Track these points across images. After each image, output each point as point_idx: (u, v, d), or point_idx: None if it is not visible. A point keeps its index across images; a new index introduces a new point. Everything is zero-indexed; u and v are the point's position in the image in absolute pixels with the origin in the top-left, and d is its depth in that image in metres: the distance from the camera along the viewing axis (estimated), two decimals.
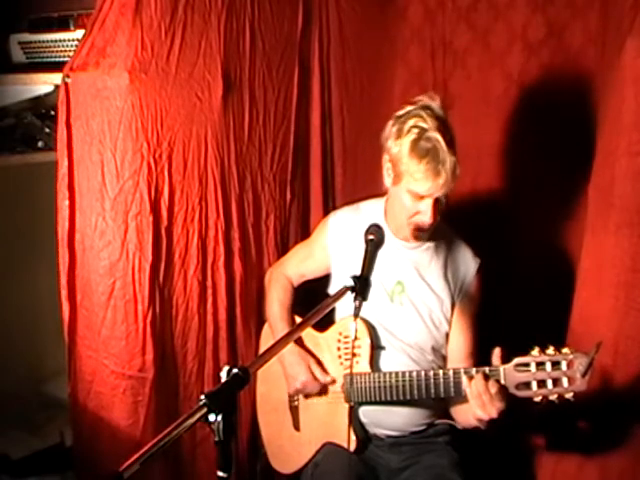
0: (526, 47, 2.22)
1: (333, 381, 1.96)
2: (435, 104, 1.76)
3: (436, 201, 1.73)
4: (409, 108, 1.77)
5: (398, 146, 1.75)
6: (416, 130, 1.71)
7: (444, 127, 1.72)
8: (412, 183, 1.72)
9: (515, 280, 2.27)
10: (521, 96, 2.24)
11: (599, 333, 1.63)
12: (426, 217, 1.75)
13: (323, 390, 1.98)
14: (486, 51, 2.31)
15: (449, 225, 1.98)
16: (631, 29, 1.66)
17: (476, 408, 1.64)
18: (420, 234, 1.83)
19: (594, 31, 2.06)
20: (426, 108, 1.75)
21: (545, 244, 2.24)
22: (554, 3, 2.15)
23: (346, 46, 2.43)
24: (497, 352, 1.65)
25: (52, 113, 2.13)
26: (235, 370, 1.10)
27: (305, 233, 2.29)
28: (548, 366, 1.60)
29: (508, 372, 1.64)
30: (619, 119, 1.69)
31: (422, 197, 1.73)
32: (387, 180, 1.84)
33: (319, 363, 1.98)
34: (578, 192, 2.09)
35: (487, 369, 1.66)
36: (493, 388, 1.62)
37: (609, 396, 1.76)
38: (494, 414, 1.62)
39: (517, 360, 1.63)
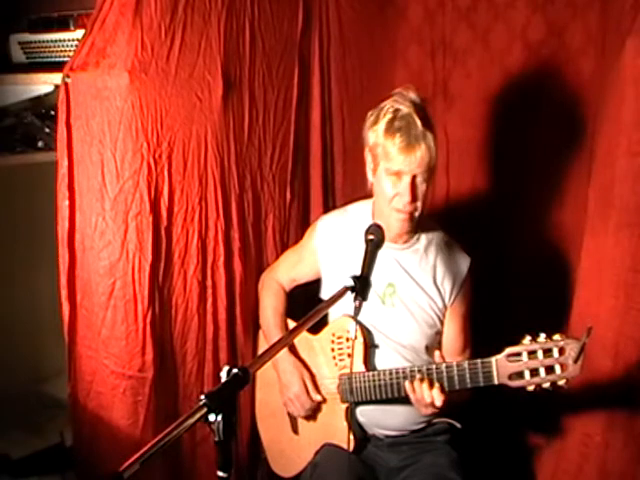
0: (526, 47, 2.22)
1: (324, 400, 1.96)
2: (410, 92, 1.79)
3: (414, 181, 1.74)
4: (385, 101, 1.81)
5: (375, 132, 1.79)
6: (391, 110, 1.76)
7: (419, 108, 1.76)
8: (388, 162, 1.74)
9: (515, 280, 2.28)
10: (521, 96, 2.24)
11: (599, 333, 1.63)
12: (405, 197, 1.74)
13: (314, 408, 1.98)
14: (486, 51, 2.31)
15: (439, 224, 1.97)
16: (631, 29, 1.66)
17: (420, 408, 1.75)
18: (404, 221, 1.80)
19: (594, 31, 2.06)
20: (400, 94, 1.79)
21: (545, 244, 2.24)
22: (554, 3, 2.15)
23: (346, 46, 2.43)
24: (437, 354, 1.77)
25: (52, 113, 2.12)
26: (235, 370, 1.10)
27: (305, 233, 2.28)
28: (540, 354, 1.61)
29: (500, 363, 1.65)
30: (619, 119, 1.69)
31: (400, 176, 1.74)
32: (369, 174, 1.86)
33: (313, 379, 1.98)
34: (578, 192, 2.09)
35: (479, 361, 1.68)
36: (438, 400, 1.68)
37: (609, 396, 1.76)
38: (437, 411, 1.73)
39: (508, 350, 1.64)
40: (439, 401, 1.68)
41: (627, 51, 1.65)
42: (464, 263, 1.94)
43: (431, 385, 1.70)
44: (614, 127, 1.74)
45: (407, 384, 1.73)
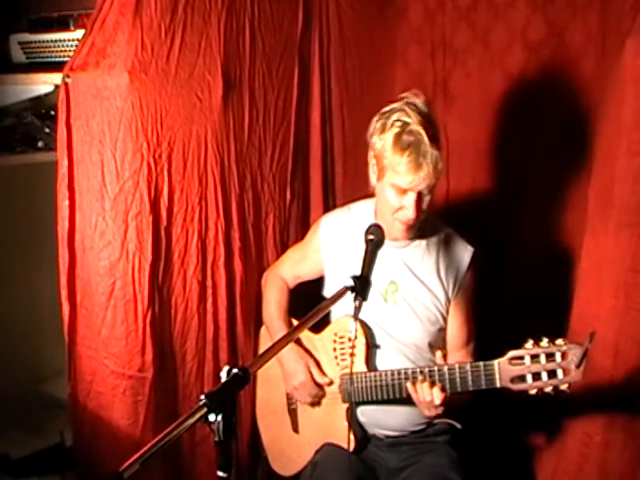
0: (526, 47, 2.22)
1: (331, 382, 1.96)
2: (419, 100, 1.77)
3: (419, 196, 1.74)
4: (393, 105, 1.79)
5: (382, 141, 1.76)
6: (399, 124, 1.73)
7: (427, 121, 1.73)
8: (395, 177, 1.73)
9: (514, 280, 2.28)
10: (521, 96, 2.24)
11: (599, 333, 1.63)
12: (409, 212, 1.74)
13: (320, 395, 1.98)
14: (486, 51, 2.31)
15: (441, 218, 1.98)
16: (631, 29, 1.66)
17: (424, 410, 1.76)
18: (406, 231, 1.82)
19: (594, 31, 2.06)
20: (410, 104, 1.76)
21: (545, 244, 2.24)
22: (554, 3, 2.15)
23: (346, 46, 2.43)
24: (439, 354, 1.76)
25: (52, 113, 2.12)
26: (235, 370, 1.10)
27: (305, 233, 2.28)
28: (542, 358, 1.61)
29: (502, 366, 1.65)
30: (619, 119, 1.69)
31: (405, 191, 1.74)
32: (372, 177, 1.85)
33: (317, 365, 1.98)
34: (578, 192, 2.09)
35: (482, 364, 1.68)
36: (438, 399, 1.68)
37: (609, 396, 1.76)
38: (440, 413, 1.74)
39: (511, 354, 1.64)
40: (438, 399, 1.68)
41: (627, 51, 1.65)
42: (467, 253, 1.94)
43: (432, 384, 1.70)
44: (614, 127, 1.73)
45: (409, 385, 1.74)
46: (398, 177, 1.72)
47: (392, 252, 1.88)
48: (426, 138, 1.69)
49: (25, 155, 2.14)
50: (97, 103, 1.78)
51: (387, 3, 2.51)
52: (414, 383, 1.72)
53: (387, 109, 1.79)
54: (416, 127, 1.70)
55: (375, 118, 1.81)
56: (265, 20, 2.15)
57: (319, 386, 1.97)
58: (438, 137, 1.74)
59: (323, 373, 1.97)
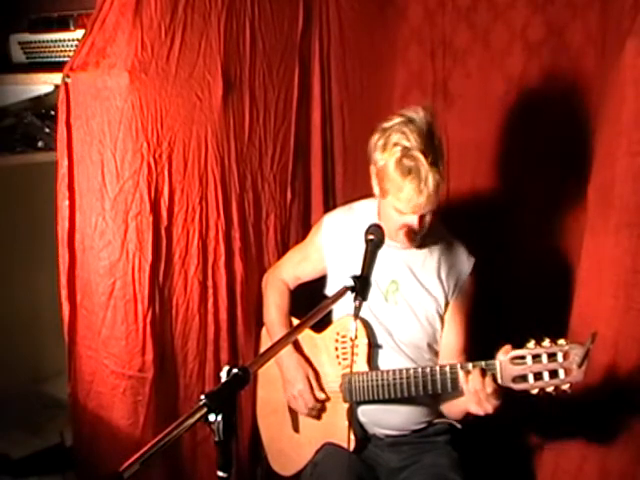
0: (526, 47, 2.22)
1: (327, 399, 1.96)
2: (419, 117, 1.73)
3: (422, 215, 1.75)
4: (393, 121, 1.75)
5: (383, 160, 1.75)
6: (399, 148, 1.71)
7: (428, 144, 1.70)
8: (396, 202, 1.74)
9: (515, 280, 2.28)
10: (521, 96, 2.24)
11: (599, 333, 1.62)
12: (413, 231, 1.78)
13: (318, 408, 1.97)
14: (486, 51, 2.31)
15: (443, 224, 1.98)
16: (631, 29, 1.66)
17: (471, 404, 1.67)
18: (410, 241, 1.83)
19: (594, 31, 2.06)
20: (410, 122, 1.73)
21: (545, 244, 2.24)
22: (554, 3, 2.15)
23: (346, 46, 2.43)
24: (504, 349, 1.66)
25: (52, 113, 2.12)
26: (235, 370, 1.10)
27: (306, 233, 2.28)
28: (544, 358, 1.60)
29: (504, 366, 1.65)
30: (619, 119, 1.69)
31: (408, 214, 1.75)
32: (375, 189, 1.85)
33: (317, 378, 1.98)
34: (578, 192, 2.09)
35: (484, 363, 1.67)
36: (489, 387, 1.63)
37: (609, 396, 1.76)
38: (489, 410, 1.65)
39: (513, 353, 1.64)
40: (490, 387, 1.63)
41: (627, 51, 1.65)
42: (468, 262, 1.94)
43: (483, 373, 1.65)
44: (614, 127, 1.73)
45: (461, 375, 1.67)
46: (399, 203, 1.74)
47: (394, 252, 1.89)
48: (426, 164, 1.68)
49: (25, 155, 2.14)
50: (97, 103, 1.78)
51: (387, 3, 2.51)
52: (467, 372, 1.67)
53: (387, 126, 1.76)
54: (416, 152, 1.68)
55: (376, 135, 1.78)
56: (265, 20, 2.15)
57: (317, 400, 1.96)
58: (438, 160, 1.71)
59: (323, 389, 1.97)
